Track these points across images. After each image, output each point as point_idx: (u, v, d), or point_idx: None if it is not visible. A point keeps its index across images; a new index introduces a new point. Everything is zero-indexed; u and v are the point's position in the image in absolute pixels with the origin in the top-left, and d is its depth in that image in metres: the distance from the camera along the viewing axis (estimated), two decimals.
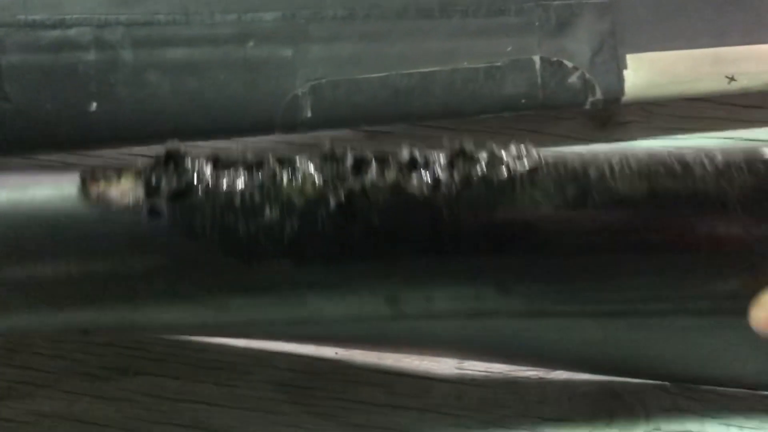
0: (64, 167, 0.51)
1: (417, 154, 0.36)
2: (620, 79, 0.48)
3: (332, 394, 0.45)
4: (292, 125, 0.48)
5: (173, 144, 0.36)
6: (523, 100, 0.48)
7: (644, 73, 0.49)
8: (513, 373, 0.45)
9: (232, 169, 0.35)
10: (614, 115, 0.52)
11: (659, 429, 0.43)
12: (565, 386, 0.45)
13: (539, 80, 0.48)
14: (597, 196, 0.35)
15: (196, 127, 0.48)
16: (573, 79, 0.48)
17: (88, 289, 0.36)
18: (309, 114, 0.47)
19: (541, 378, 0.45)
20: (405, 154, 0.36)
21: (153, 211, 0.35)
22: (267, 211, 0.35)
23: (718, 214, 0.36)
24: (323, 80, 0.47)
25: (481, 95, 0.48)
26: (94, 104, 0.46)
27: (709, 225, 0.36)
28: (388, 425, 0.44)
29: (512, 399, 0.44)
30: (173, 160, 0.36)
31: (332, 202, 0.35)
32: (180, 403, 0.45)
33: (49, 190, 0.36)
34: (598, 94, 0.48)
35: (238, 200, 0.35)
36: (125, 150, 0.51)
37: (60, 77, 0.46)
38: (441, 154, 0.36)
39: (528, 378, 0.45)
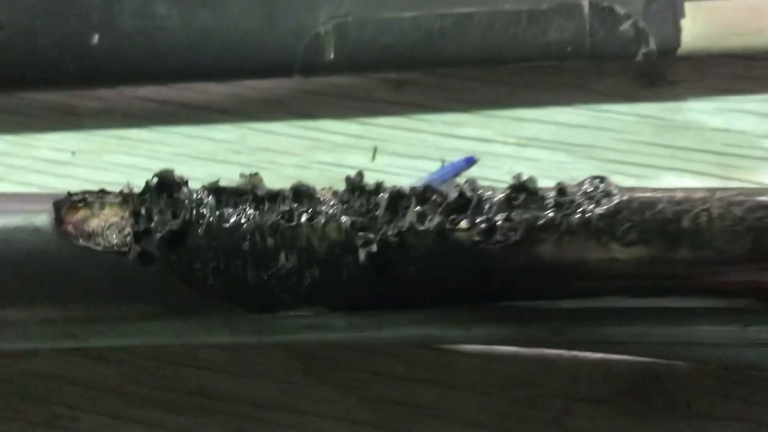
0: (66, 111, 0.48)
1: (467, 190, 0.29)
2: (677, 29, 0.44)
3: (349, 365, 0.41)
4: (312, 67, 0.43)
5: (166, 171, 0.30)
6: (568, 49, 0.44)
7: (703, 23, 0.44)
8: (544, 350, 0.41)
9: (238, 204, 0.29)
10: (664, 72, 0.48)
11: (700, 413, 0.39)
12: (600, 365, 0.41)
13: (587, 27, 0.43)
14: (688, 250, 0.29)
15: (208, 66, 0.44)
16: (625, 26, 0.44)
17: (70, 331, 0.31)
18: (332, 55, 0.43)
19: (574, 356, 0.41)
20: (453, 192, 0.29)
21: (144, 255, 0.29)
22: (282, 257, 0.29)
23: None
24: (349, 18, 0.43)
25: (523, 41, 0.43)
26: (96, 37, 0.43)
27: None
28: (408, 399, 0.41)
29: (543, 377, 0.41)
30: (166, 189, 0.29)
31: (362, 251, 0.28)
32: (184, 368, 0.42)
33: (17, 220, 0.30)
34: (652, 45, 0.44)
35: (246, 244, 0.29)
36: (130, 93, 0.48)
37: (59, 5, 0.42)
38: (497, 192, 0.30)
39: (560, 355, 0.41)
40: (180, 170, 0.46)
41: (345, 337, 0.34)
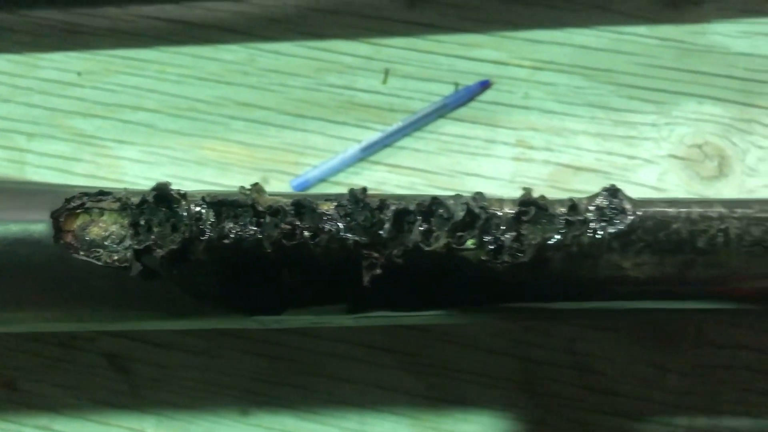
0: (70, 31, 0.46)
1: (475, 207, 0.28)
2: None
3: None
4: None
5: (163, 184, 0.28)
6: None
7: None
8: None
9: (239, 218, 0.28)
10: None
11: (709, 341, 0.39)
12: None
13: None
14: (703, 270, 0.28)
15: None
16: None
17: (76, 325, 0.32)
18: None
19: None
20: (459, 209, 0.28)
21: (146, 272, 0.28)
22: (285, 272, 0.28)
23: None
24: None
25: None
26: None
27: None
28: (418, 325, 0.41)
29: None
30: (164, 202, 0.28)
31: (366, 269, 0.27)
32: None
33: (15, 231, 0.29)
34: None
35: (248, 259, 0.28)
36: (135, 11, 0.47)
37: None
38: (507, 209, 0.28)
39: None
40: (187, 92, 0.46)
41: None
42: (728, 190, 0.43)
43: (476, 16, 0.46)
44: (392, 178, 0.43)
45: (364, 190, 0.28)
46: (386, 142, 0.44)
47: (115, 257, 0.28)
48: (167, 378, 0.41)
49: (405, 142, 0.44)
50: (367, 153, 0.43)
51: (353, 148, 0.43)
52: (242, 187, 0.29)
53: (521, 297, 0.29)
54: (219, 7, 0.46)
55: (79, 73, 0.46)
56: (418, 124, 0.44)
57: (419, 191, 0.42)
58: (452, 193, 0.29)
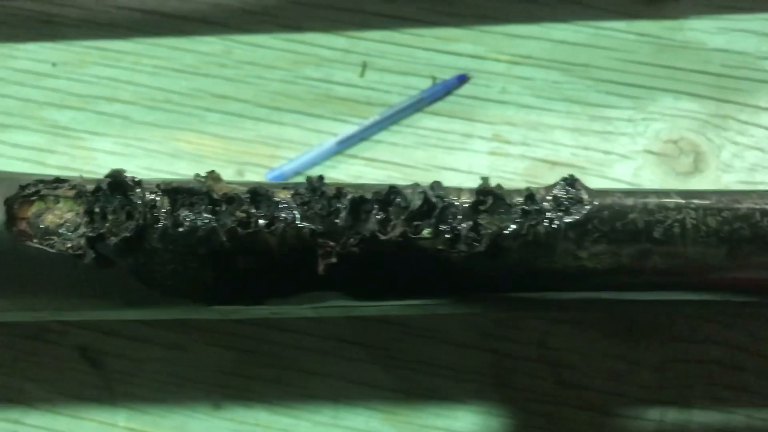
0: (44, 21, 0.46)
1: (432, 196, 0.28)
2: None
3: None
4: None
5: (118, 171, 0.28)
6: None
7: None
8: None
9: (194, 206, 0.27)
10: None
11: (682, 336, 0.40)
12: None
13: None
14: (659, 260, 0.28)
15: None
16: None
17: (31, 315, 0.31)
18: None
19: None
20: (416, 197, 0.28)
21: (100, 259, 0.27)
22: (240, 260, 0.28)
23: None
24: None
25: None
26: None
27: None
28: (393, 320, 0.41)
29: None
30: (119, 189, 0.28)
31: (321, 261, 0.27)
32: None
33: None
34: None
35: (203, 247, 0.27)
36: (111, 1, 0.46)
37: None
38: (464, 198, 0.28)
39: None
40: (163, 84, 0.45)
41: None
42: (703, 185, 0.43)
43: (454, 10, 0.46)
44: (369, 172, 0.43)
45: (321, 178, 0.28)
46: (363, 135, 0.43)
47: (69, 245, 0.27)
48: (139, 371, 0.40)
49: (382, 135, 0.44)
50: (344, 146, 0.43)
51: (330, 142, 0.43)
52: (197, 175, 0.28)
53: (478, 287, 0.29)
54: None
55: (53, 64, 0.46)
56: (395, 118, 0.44)
57: None
58: None
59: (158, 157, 0.44)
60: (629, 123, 0.44)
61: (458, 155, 0.43)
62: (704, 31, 0.45)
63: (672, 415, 0.39)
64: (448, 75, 0.45)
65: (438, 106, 0.44)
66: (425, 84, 0.45)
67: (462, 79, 0.44)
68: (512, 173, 0.43)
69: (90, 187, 0.28)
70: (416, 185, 0.28)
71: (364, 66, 0.45)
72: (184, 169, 0.43)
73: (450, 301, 0.30)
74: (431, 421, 0.40)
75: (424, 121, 0.44)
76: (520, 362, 0.40)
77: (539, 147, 0.43)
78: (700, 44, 0.45)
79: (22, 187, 0.28)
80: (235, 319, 0.38)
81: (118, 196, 0.28)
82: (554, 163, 0.43)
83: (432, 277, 0.28)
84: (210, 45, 0.46)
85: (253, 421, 0.40)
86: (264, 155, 0.44)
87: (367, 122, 0.43)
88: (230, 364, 0.40)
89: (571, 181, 0.28)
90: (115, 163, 0.44)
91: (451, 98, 0.44)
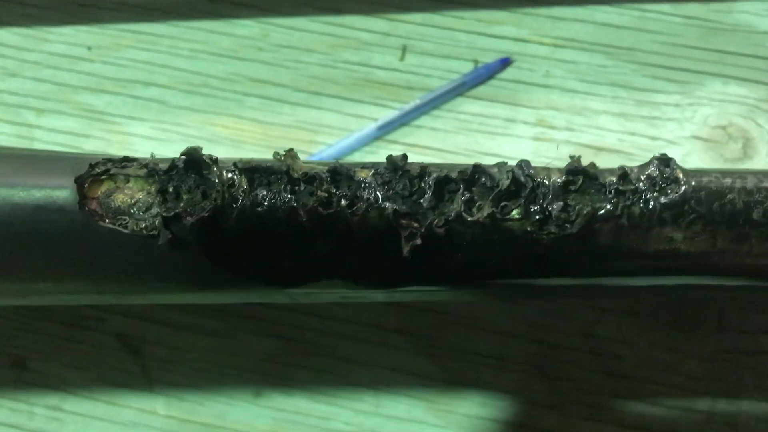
0: (80, 3, 0.45)
1: (521, 176, 0.26)
2: None
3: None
4: None
5: (194, 148, 0.27)
6: None
7: None
8: None
9: (272, 185, 0.27)
10: None
11: (731, 326, 0.39)
12: None
13: None
14: (757, 243, 0.26)
15: None
16: None
17: (98, 298, 0.30)
18: None
19: None
20: (504, 177, 0.26)
21: (175, 241, 0.26)
22: (320, 243, 0.27)
23: None
24: None
25: None
26: None
27: None
28: (434, 307, 0.40)
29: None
30: (195, 167, 0.27)
31: (406, 243, 0.26)
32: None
33: (38, 197, 0.27)
34: None
35: (282, 228, 0.26)
36: None
37: None
38: (554, 177, 0.27)
39: None
40: (199, 68, 0.45)
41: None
42: None
43: None
44: (409, 158, 0.42)
45: (405, 156, 0.27)
46: (403, 120, 0.43)
47: (142, 225, 0.26)
48: (178, 359, 0.40)
49: (422, 120, 0.43)
50: (384, 132, 0.43)
51: (369, 127, 0.42)
52: (276, 153, 0.27)
53: (565, 271, 0.27)
54: None
55: (89, 48, 0.45)
56: (435, 103, 0.43)
57: None
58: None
59: (195, 142, 0.43)
60: (676, 108, 0.43)
61: (501, 140, 0.42)
62: (754, 13, 0.44)
63: (721, 406, 0.38)
64: (490, 58, 0.44)
65: (480, 90, 0.43)
66: (466, 68, 0.44)
67: (505, 63, 0.43)
68: (556, 159, 0.42)
69: (163, 165, 0.27)
70: (503, 164, 0.27)
71: (404, 49, 0.44)
72: (221, 154, 0.42)
73: (529, 288, 0.29)
74: (474, 411, 0.39)
75: (465, 105, 0.43)
76: (565, 352, 0.39)
77: (584, 132, 0.42)
78: (750, 27, 0.44)
79: (92, 166, 0.27)
80: (297, 302, 0.37)
81: (193, 175, 0.27)
82: (600, 149, 0.42)
83: (518, 260, 0.27)
84: (247, 28, 0.45)
85: (294, 409, 0.40)
86: (303, 140, 0.43)
87: (407, 107, 0.43)
88: (271, 351, 0.40)
89: (665, 160, 0.27)
90: (152, 148, 0.43)
91: (493, 82, 0.43)
